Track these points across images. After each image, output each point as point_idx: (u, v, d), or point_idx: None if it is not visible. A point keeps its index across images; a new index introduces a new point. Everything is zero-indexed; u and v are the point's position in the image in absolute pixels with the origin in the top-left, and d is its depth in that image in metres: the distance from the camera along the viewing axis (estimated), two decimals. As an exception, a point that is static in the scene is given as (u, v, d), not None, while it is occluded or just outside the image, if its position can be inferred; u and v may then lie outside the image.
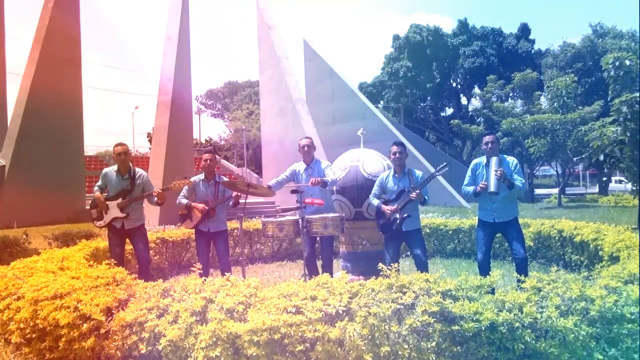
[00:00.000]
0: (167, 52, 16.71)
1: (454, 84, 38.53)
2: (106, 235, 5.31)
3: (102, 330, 2.94)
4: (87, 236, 8.56)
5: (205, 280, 3.23)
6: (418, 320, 2.61)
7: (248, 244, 8.04)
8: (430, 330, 2.60)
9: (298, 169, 5.25)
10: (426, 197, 4.61)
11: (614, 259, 4.76)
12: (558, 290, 2.87)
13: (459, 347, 2.60)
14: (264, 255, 8.14)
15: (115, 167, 5.16)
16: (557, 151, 19.97)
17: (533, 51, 35.76)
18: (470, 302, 2.74)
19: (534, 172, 30.15)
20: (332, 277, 3.44)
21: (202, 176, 5.26)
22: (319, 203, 4.63)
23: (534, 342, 2.59)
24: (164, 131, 15.51)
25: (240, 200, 5.11)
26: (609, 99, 10.84)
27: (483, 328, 2.60)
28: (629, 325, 2.69)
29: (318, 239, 5.08)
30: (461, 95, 39.20)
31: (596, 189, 32.89)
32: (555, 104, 19.98)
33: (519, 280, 3.52)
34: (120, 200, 5.04)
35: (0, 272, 4.21)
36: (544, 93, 24.49)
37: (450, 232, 8.05)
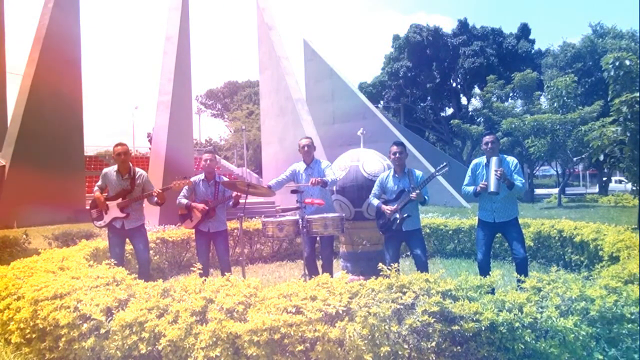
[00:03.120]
0: (167, 52, 16.71)
1: (454, 84, 38.53)
2: (106, 235, 5.30)
3: (102, 330, 2.94)
4: (87, 236, 8.57)
5: (205, 280, 3.23)
6: (418, 320, 2.61)
7: (248, 244, 8.04)
8: (430, 330, 2.60)
9: (298, 169, 5.25)
10: (426, 197, 4.61)
11: (614, 259, 4.76)
12: (558, 290, 2.87)
13: (459, 347, 2.60)
14: (264, 255, 8.14)
15: (115, 167, 5.15)
16: (557, 151, 19.96)
17: (533, 51, 35.78)
18: (470, 302, 2.74)
19: (534, 172, 30.15)
20: (332, 277, 3.44)
21: (202, 176, 5.26)
22: (319, 203, 4.62)
23: (534, 342, 2.59)
24: (164, 131, 15.51)
25: (240, 200, 5.11)
26: (609, 99, 10.83)
27: (483, 328, 2.60)
28: (629, 325, 2.69)
29: (318, 239, 5.08)
30: (461, 95, 39.21)
31: (596, 189, 32.89)
32: (555, 104, 19.98)
33: (519, 280, 3.52)
34: (120, 200, 5.04)
35: (0, 272, 4.21)
36: (544, 93, 24.48)
37: (450, 232, 8.05)
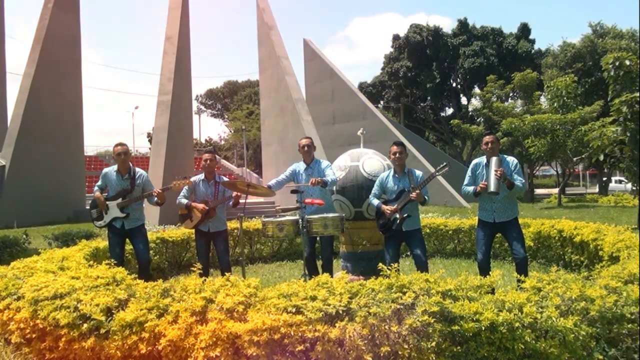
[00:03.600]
0: (167, 52, 16.71)
1: (454, 84, 38.53)
2: (106, 235, 5.31)
3: (102, 330, 2.93)
4: (87, 236, 8.57)
5: (205, 280, 3.23)
6: (418, 320, 2.61)
7: (248, 244, 8.04)
8: (430, 330, 2.60)
9: (298, 169, 5.25)
10: (426, 197, 4.61)
11: (614, 259, 4.76)
12: (558, 290, 2.87)
13: (459, 347, 2.60)
14: (264, 255, 8.14)
15: (115, 167, 5.16)
16: (557, 151, 19.96)
17: (533, 51, 35.77)
18: (470, 302, 2.74)
19: (534, 172, 30.15)
20: (332, 277, 3.44)
21: (202, 176, 5.26)
22: (319, 203, 4.62)
23: (534, 342, 2.59)
24: (164, 131, 15.51)
25: (240, 200, 5.11)
26: (609, 99, 10.84)
27: (483, 328, 2.60)
28: (629, 325, 2.69)
29: (318, 239, 5.08)
30: (461, 95, 39.21)
31: (596, 189, 32.90)
32: (555, 104, 19.98)
33: (519, 280, 3.52)
34: (120, 200, 5.04)
35: (0, 272, 4.21)
36: (544, 93, 24.48)
37: (450, 232, 8.05)
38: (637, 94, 9.56)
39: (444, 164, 4.57)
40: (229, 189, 5.09)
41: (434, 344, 2.56)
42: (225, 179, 5.24)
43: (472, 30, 36.75)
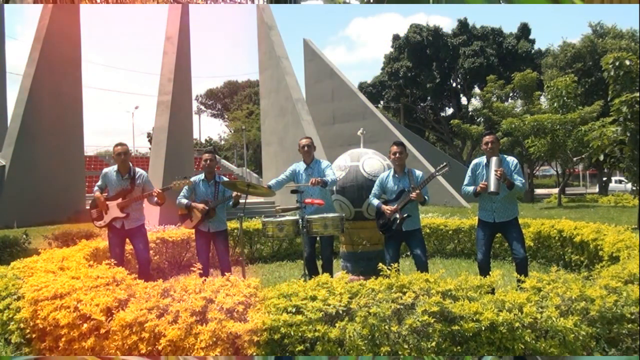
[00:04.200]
0: (167, 52, 16.71)
1: (454, 84, 38.52)
2: (106, 235, 5.30)
3: (102, 330, 2.94)
4: (87, 236, 8.54)
5: (205, 280, 3.23)
6: (418, 320, 2.61)
7: (248, 244, 8.04)
8: (430, 330, 2.60)
9: (298, 169, 5.25)
10: (426, 197, 4.61)
11: (614, 259, 4.76)
12: (558, 290, 2.88)
13: (459, 347, 2.61)
14: (264, 255, 8.14)
15: (115, 167, 5.15)
16: (557, 151, 19.98)
17: (533, 51, 35.75)
18: (470, 302, 2.74)
19: (534, 172, 30.15)
20: (332, 277, 3.44)
21: (202, 176, 5.26)
22: (319, 203, 4.62)
23: (534, 342, 2.59)
24: (164, 131, 15.51)
25: (240, 200, 5.11)
26: (609, 99, 10.85)
27: (483, 328, 2.60)
28: (629, 325, 2.70)
29: (318, 239, 5.08)
30: (461, 95, 39.20)
31: (596, 189, 32.90)
32: (555, 104, 19.98)
33: (519, 280, 3.52)
34: (120, 200, 5.04)
35: (0, 272, 4.22)
36: (544, 93, 24.49)
37: (450, 232, 8.05)
38: (637, 94, 9.57)
39: (444, 164, 4.57)
40: (229, 189, 5.09)
41: (434, 344, 2.56)
42: (225, 179, 5.24)
43: (472, 30, 36.72)
